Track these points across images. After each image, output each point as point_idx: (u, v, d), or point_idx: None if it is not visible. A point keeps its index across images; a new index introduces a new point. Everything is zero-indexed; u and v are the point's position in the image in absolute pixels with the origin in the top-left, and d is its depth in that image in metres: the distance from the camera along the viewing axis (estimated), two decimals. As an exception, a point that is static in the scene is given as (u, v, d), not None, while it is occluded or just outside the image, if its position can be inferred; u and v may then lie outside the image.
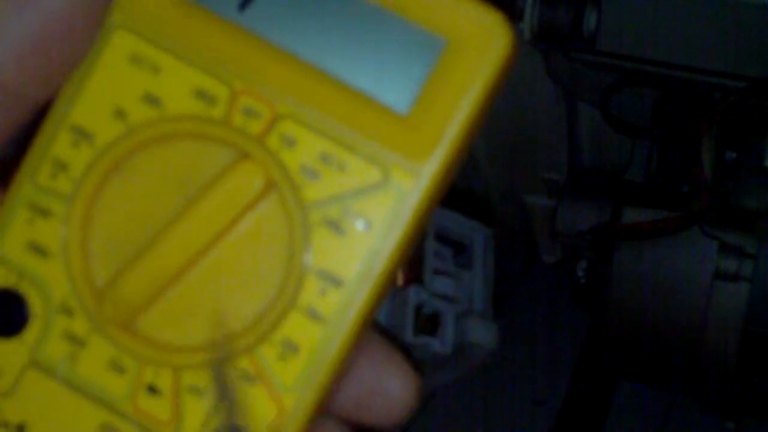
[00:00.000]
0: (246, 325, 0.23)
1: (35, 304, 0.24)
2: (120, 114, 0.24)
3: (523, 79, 0.78)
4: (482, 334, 0.67)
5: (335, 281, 0.23)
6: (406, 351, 0.26)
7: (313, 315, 0.23)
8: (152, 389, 0.24)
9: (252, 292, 0.23)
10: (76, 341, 0.24)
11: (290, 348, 0.23)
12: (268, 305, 0.23)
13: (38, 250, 0.24)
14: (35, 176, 0.24)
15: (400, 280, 0.65)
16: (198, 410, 0.23)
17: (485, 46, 0.23)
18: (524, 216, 0.89)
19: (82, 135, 0.24)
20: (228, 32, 0.24)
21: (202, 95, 0.24)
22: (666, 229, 0.71)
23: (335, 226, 0.23)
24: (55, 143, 0.24)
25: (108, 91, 0.24)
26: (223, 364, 0.23)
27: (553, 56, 0.75)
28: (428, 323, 0.66)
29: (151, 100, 0.24)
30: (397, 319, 0.65)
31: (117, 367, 0.24)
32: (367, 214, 0.23)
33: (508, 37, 0.23)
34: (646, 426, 0.91)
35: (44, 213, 0.24)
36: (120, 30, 0.24)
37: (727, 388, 0.74)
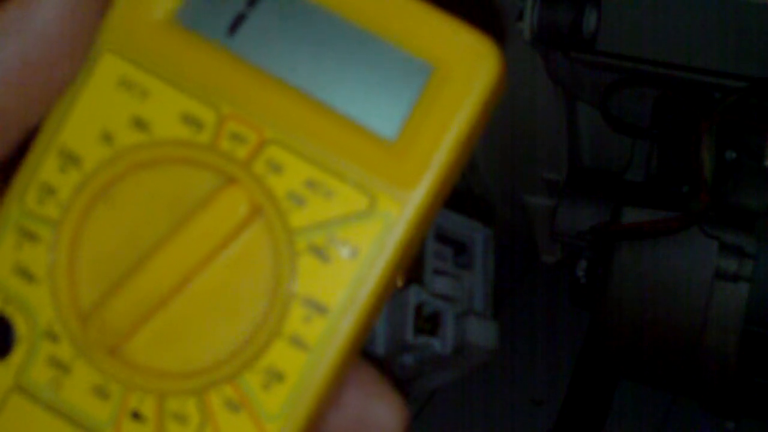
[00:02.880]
0: (230, 352, 0.23)
1: (21, 328, 0.24)
2: (108, 138, 0.24)
3: (523, 79, 0.77)
4: (482, 334, 0.67)
5: (320, 309, 0.23)
6: (398, 383, 0.26)
7: (298, 343, 0.23)
8: (136, 415, 0.23)
9: (237, 319, 0.23)
10: (60, 366, 0.24)
11: (275, 376, 0.23)
12: (253, 332, 0.23)
13: (25, 274, 0.24)
14: (23, 200, 0.24)
15: (400, 281, 0.65)
16: None
17: (473, 71, 0.23)
18: (524, 216, 0.89)
19: (70, 159, 0.24)
20: (216, 56, 0.24)
21: (189, 120, 0.24)
22: (666, 229, 0.71)
23: (321, 254, 0.23)
24: (43, 167, 0.24)
25: (96, 115, 0.24)
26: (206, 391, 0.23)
27: (553, 56, 0.75)
28: (428, 323, 0.66)
29: (139, 124, 0.24)
30: (397, 319, 0.65)
31: (101, 393, 0.23)
32: (353, 242, 0.23)
33: (496, 61, 0.23)
34: (646, 426, 0.90)
35: (31, 237, 0.24)
36: (109, 54, 0.24)
37: (727, 388, 0.74)
